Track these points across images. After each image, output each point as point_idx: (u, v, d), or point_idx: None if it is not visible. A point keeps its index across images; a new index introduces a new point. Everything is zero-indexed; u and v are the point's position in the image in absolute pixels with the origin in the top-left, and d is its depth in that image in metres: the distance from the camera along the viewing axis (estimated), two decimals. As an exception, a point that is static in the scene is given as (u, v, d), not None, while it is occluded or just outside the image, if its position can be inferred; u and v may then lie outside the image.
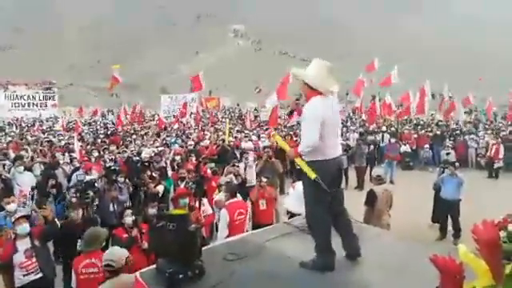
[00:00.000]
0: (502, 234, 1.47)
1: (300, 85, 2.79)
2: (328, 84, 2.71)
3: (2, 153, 10.19)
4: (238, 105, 33.38)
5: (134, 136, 15.64)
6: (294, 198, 3.76)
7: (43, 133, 18.32)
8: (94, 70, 46.54)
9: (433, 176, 9.03)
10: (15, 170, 7.72)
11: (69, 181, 7.99)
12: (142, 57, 47.54)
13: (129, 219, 4.67)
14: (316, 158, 2.68)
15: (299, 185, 3.81)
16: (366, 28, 50.42)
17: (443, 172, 7.84)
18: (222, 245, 3.41)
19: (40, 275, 4.20)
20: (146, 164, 8.21)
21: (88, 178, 7.36)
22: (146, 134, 16.44)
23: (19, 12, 53.47)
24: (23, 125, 22.98)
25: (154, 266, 2.68)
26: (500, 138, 13.63)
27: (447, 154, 12.24)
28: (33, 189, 7.16)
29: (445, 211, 7.50)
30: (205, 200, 6.46)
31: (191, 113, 20.77)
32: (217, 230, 5.47)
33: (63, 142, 13.77)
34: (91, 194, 6.26)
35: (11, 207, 5.30)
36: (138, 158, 9.32)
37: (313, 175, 2.60)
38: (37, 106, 29.17)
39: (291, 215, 3.82)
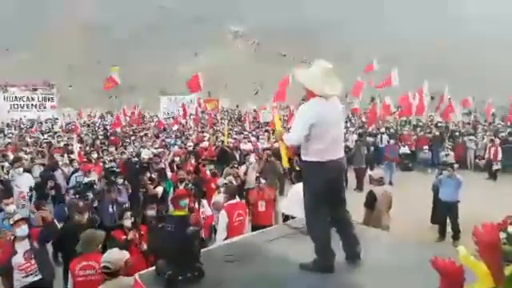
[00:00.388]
0: (502, 235, 1.47)
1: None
2: (324, 86, 2.67)
3: (1, 154, 10.18)
4: (237, 106, 33.39)
5: (133, 137, 15.63)
6: (289, 200, 3.75)
7: (42, 134, 18.31)
8: (93, 71, 46.47)
9: (432, 177, 9.04)
10: (14, 171, 7.72)
11: (68, 182, 7.97)
12: (141, 58, 47.51)
13: (127, 222, 4.67)
14: (310, 158, 2.68)
15: (295, 187, 3.81)
16: (366, 29, 50.46)
17: (441, 173, 7.85)
18: (221, 246, 3.41)
19: (39, 277, 4.19)
20: (145, 165, 8.21)
21: (87, 179, 7.35)
22: (145, 135, 16.44)
23: (21, 13, 53.46)
24: (22, 126, 22.95)
25: (153, 267, 2.67)
26: (499, 139, 13.66)
27: (446, 155, 12.26)
28: (31, 190, 7.14)
29: (443, 212, 7.51)
30: (204, 201, 6.46)
31: (190, 114, 20.78)
32: (216, 232, 5.46)
33: (62, 144, 13.76)
34: (90, 195, 6.25)
35: (10, 209, 5.29)
36: (137, 160, 9.32)
37: (285, 163, 2.71)
38: (36, 107, 29.11)
39: (285, 217, 3.81)
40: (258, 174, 7.52)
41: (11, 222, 4.22)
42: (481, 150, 13.81)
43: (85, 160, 9.26)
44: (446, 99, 16.87)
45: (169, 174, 8.58)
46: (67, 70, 45.91)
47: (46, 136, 16.99)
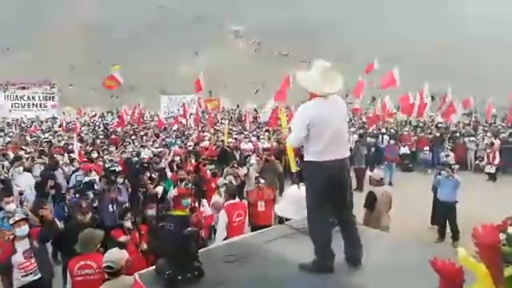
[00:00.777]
0: (502, 236, 1.47)
1: None
2: (323, 86, 2.66)
3: (1, 153, 10.19)
4: (237, 106, 33.39)
5: (134, 137, 15.64)
6: (284, 202, 3.71)
7: (43, 133, 18.32)
8: (94, 70, 46.48)
9: (432, 178, 9.04)
10: (14, 170, 7.73)
11: (68, 181, 7.97)
12: (141, 58, 47.49)
13: (128, 223, 4.67)
14: (309, 158, 2.69)
15: (291, 189, 3.80)
16: (366, 29, 50.43)
17: (440, 174, 7.85)
18: (221, 246, 3.41)
19: (38, 276, 4.20)
20: (145, 165, 8.21)
21: (87, 178, 7.35)
22: (145, 134, 16.44)
23: (22, 12, 53.46)
24: (23, 125, 22.98)
25: (153, 267, 2.67)
26: (499, 140, 13.66)
27: (446, 156, 12.27)
28: (20, 194, 6.96)
29: (442, 213, 7.51)
30: (204, 201, 6.46)
31: (191, 114, 20.78)
32: (215, 232, 5.46)
33: (62, 143, 13.77)
34: (91, 195, 6.26)
35: (10, 207, 5.29)
36: (137, 159, 9.32)
37: (293, 168, 2.70)
38: (36, 106, 29.15)
39: (280, 219, 3.79)
40: (257, 174, 7.51)
41: (11, 222, 4.21)
42: (481, 150, 13.80)
43: (85, 159, 9.26)
44: (449, 100, 16.84)
45: (168, 173, 8.58)
46: (67, 69, 45.92)
47: (46, 135, 17.00)
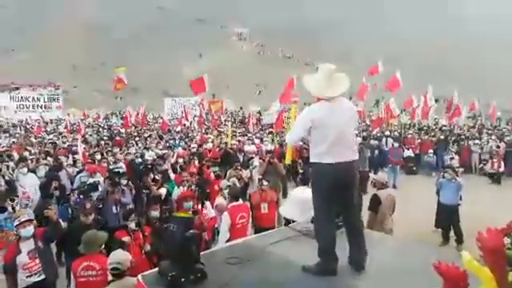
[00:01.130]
0: (507, 240, 1.47)
1: None
2: (327, 90, 2.69)
3: (6, 154, 10.26)
4: (241, 108, 33.42)
5: (137, 138, 15.69)
6: (290, 203, 3.72)
7: (47, 134, 18.43)
8: (98, 71, 46.72)
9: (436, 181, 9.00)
10: (18, 171, 7.77)
11: (72, 183, 8.01)
12: (145, 59, 47.66)
13: (132, 224, 4.68)
14: (313, 160, 2.72)
15: (296, 191, 3.80)
16: (366, 29, 50.37)
17: (443, 176, 7.80)
18: (224, 248, 3.40)
19: (42, 277, 4.21)
20: (149, 167, 8.23)
21: (91, 180, 7.38)
22: (149, 136, 16.49)
23: (22, 13, 53.82)
24: (28, 126, 23.13)
25: (157, 269, 2.68)
26: (504, 143, 13.57)
27: (451, 159, 12.20)
28: (12, 200, 6.68)
29: (445, 216, 7.45)
30: (207, 203, 6.46)
31: (194, 116, 20.82)
32: (218, 234, 5.46)
33: (67, 144, 13.84)
34: (95, 196, 6.28)
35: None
36: (140, 161, 9.34)
37: (287, 160, 2.79)
38: (41, 107, 29.36)
39: (287, 221, 3.79)
40: (260, 176, 7.50)
41: (17, 223, 4.23)
42: (485, 153, 13.72)
43: (89, 161, 9.30)
44: (455, 103, 16.76)
45: (172, 175, 8.59)
46: (69, 70, 46.13)
47: (51, 136, 17.10)
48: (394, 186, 11.05)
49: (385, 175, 7.43)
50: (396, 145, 13.38)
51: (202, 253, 2.71)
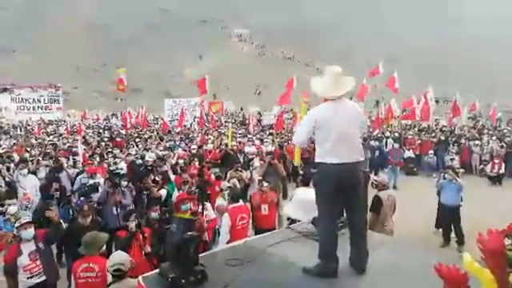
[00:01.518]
0: (507, 242, 1.46)
1: None
2: (330, 91, 2.76)
3: (7, 155, 10.26)
4: (241, 109, 33.43)
5: (138, 139, 15.68)
6: (294, 203, 3.74)
7: (48, 135, 18.43)
8: (98, 73, 46.80)
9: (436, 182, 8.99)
10: (19, 172, 7.77)
11: (72, 184, 8.01)
12: (145, 60, 47.69)
13: (132, 224, 4.68)
14: (317, 159, 2.75)
15: (299, 191, 3.81)
16: (366, 29, 50.40)
17: (444, 178, 7.79)
18: (224, 250, 3.40)
19: (43, 278, 4.21)
20: (150, 168, 8.22)
21: (92, 181, 7.37)
22: (149, 137, 16.49)
23: (22, 14, 53.89)
24: (28, 128, 23.14)
25: (157, 270, 2.68)
26: (505, 144, 13.55)
27: (451, 159, 12.19)
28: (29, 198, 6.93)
29: (446, 217, 7.44)
30: (208, 205, 6.45)
31: (195, 117, 20.82)
32: (219, 235, 5.45)
33: (67, 146, 13.84)
34: (95, 197, 6.27)
35: (11, 209, 5.33)
36: (141, 162, 9.33)
37: (297, 161, 2.82)
38: (42, 108, 29.38)
39: (291, 221, 3.80)
40: (260, 177, 7.50)
41: (17, 225, 4.23)
42: (486, 154, 13.70)
43: (89, 162, 9.30)
44: (458, 104, 16.73)
45: (172, 176, 8.59)
46: (70, 71, 46.20)
47: (51, 138, 17.10)
48: (395, 187, 11.04)
49: (385, 176, 7.42)
50: (396, 146, 13.37)
51: (202, 254, 2.71)
